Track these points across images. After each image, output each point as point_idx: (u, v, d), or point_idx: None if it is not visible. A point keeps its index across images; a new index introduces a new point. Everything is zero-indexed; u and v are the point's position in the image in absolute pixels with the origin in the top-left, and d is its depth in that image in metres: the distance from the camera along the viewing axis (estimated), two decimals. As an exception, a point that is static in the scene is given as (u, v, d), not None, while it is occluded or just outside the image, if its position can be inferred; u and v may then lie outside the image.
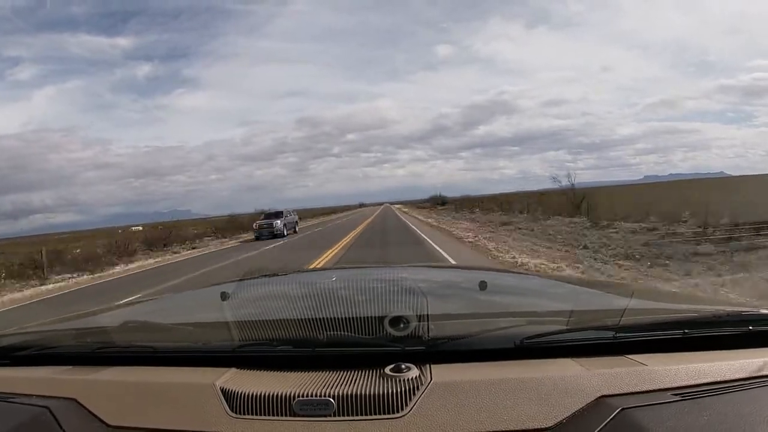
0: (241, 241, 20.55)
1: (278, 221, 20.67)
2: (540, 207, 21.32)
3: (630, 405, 0.61)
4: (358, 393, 0.66)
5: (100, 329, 1.03)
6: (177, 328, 1.01)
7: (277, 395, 0.66)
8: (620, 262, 7.22)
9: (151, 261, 15.12)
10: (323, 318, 0.93)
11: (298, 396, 0.66)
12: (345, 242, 14.76)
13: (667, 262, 6.78)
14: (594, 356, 0.73)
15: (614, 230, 11.65)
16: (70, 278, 11.73)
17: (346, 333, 0.83)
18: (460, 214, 31.89)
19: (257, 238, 20.02)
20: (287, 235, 20.73)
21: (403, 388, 0.66)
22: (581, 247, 9.35)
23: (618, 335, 0.76)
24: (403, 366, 0.70)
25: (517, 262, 7.88)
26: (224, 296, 1.21)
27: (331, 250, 12.09)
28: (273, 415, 0.65)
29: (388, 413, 0.63)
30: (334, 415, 0.64)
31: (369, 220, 32.84)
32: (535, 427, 0.59)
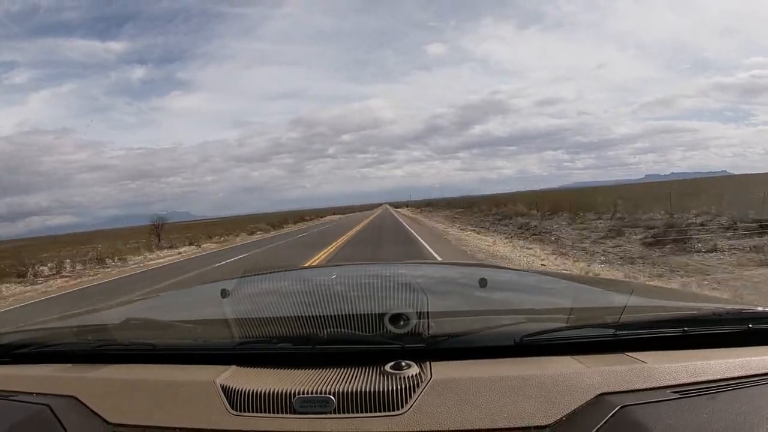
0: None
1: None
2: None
3: (630, 402, 0.61)
4: (359, 390, 0.66)
5: (100, 327, 1.03)
6: (177, 326, 1.01)
7: (277, 392, 0.67)
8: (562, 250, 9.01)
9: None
10: (323, 315, 0.92)
11: (299, 393, 0.66)
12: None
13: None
14: (594, 353, 0.73)
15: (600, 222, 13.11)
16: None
17: (346, 330, 0.83)
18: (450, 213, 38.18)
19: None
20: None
21: (403, 386, 0.66)
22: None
23: (618, 333, 0.76)
24: (403, 363, 0.70)
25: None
26: (224, 293, 1.21)
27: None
28: (273, 413, 0.65)
29: (388, 410, 0.63)
30: (335, 413, 0.64)
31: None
32: (535, 424, 0.60)
